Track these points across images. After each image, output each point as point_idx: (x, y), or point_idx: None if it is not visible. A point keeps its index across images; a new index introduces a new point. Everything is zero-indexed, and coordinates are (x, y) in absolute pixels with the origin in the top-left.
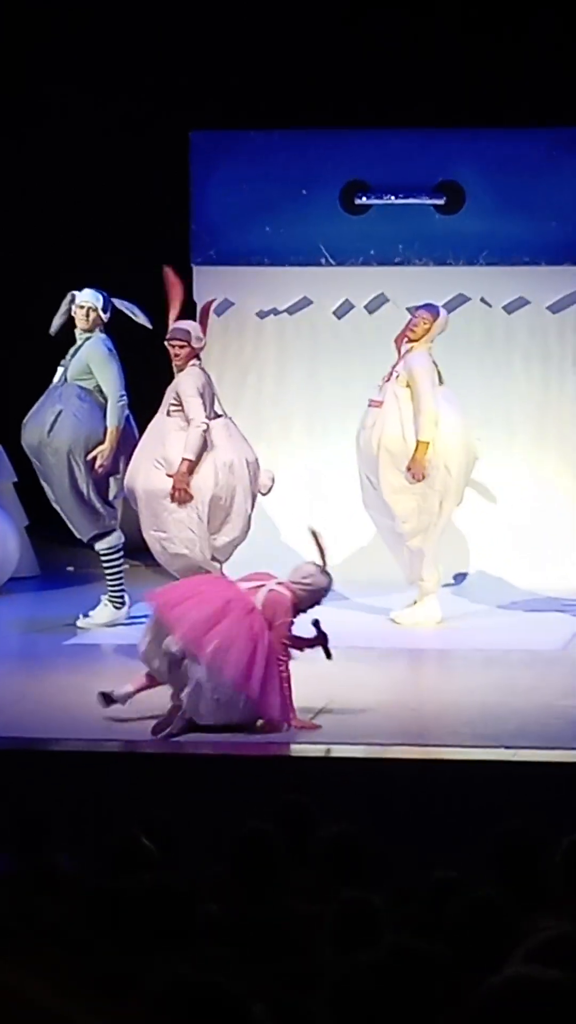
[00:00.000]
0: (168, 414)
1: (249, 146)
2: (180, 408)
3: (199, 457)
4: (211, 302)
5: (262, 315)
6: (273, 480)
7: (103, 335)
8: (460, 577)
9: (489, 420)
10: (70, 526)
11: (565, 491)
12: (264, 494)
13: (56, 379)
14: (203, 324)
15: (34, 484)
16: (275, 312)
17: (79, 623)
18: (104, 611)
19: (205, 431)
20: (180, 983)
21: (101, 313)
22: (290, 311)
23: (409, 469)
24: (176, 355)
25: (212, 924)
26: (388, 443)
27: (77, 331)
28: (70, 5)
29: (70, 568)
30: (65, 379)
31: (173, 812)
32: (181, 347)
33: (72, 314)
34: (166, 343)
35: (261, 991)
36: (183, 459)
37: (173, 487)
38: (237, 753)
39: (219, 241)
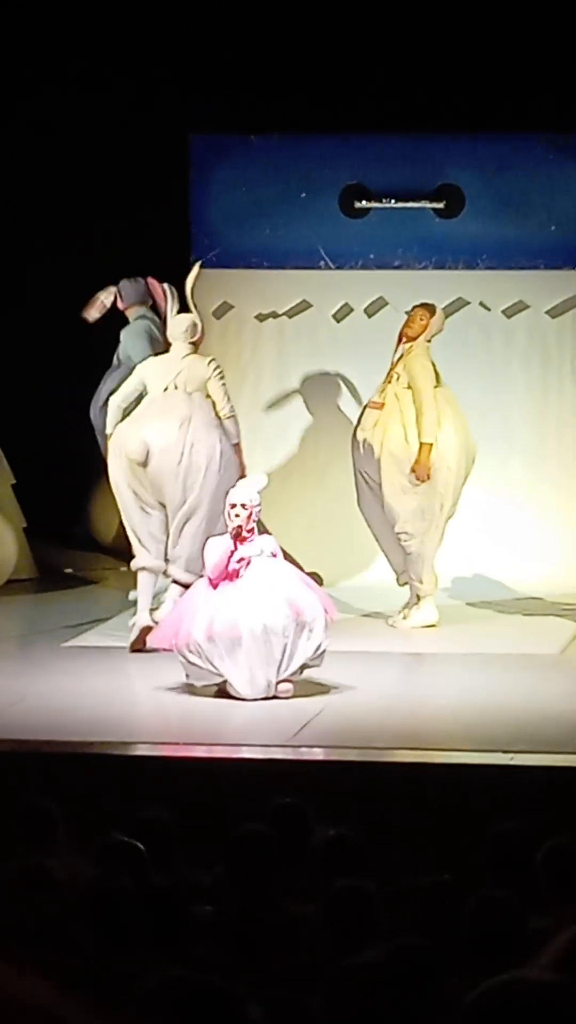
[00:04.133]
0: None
1: (249, 150)
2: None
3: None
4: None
5: (261, 318)
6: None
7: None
8: (458, 580)
9: (488, 424)
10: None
11: (564, 494)
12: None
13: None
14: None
15: (32, 486)
16: (274, 315)
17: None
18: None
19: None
20: (175, 983)
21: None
22: (289, 314)
23: (413, 471)
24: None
25: (208, 925)
26: (391, 445)
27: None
28: (71, 8)
29: (68, 570)
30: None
31: (170, 814)
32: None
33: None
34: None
35: (257, 992)
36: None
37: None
38: (234, 756)
39: (219, 244)
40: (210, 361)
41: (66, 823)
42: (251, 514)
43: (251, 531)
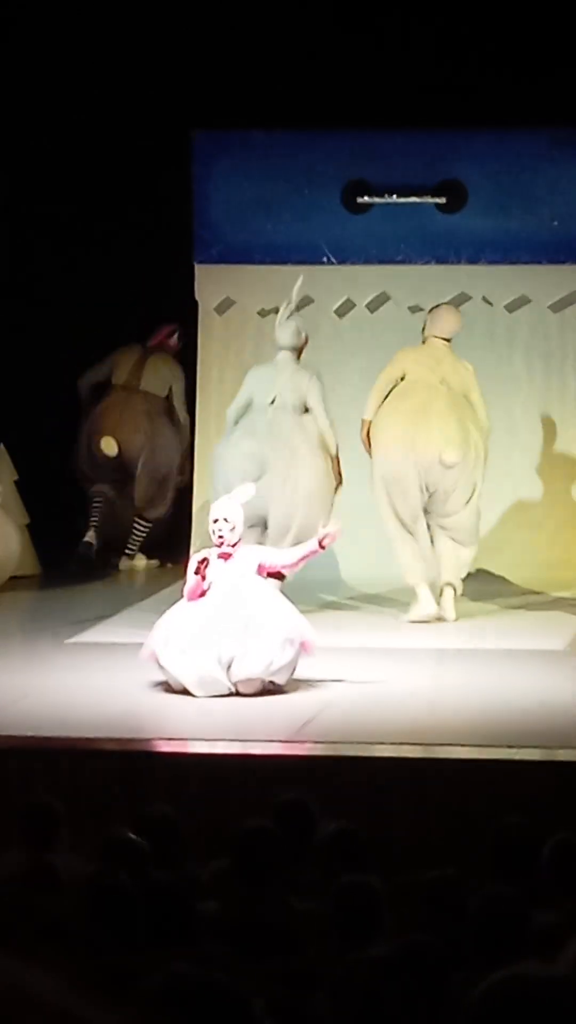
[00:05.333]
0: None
1: (251, 146)
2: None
3: None
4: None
5: (264, 314)
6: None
7: None
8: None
9: (490, 418)
10: None
11: (567, 489)
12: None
13: None
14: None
15: (34, 482)
16: (277, 311)
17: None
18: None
19: None
20: (180, 980)
21: None
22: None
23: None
24: None
25: (212, 921)
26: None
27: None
28: (73, 5)
29: (71, 566)
30: None
31: (173, 810)
32: None
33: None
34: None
35: (261, 988)
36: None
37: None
38: (238, 752)
39: (221, 240)
40: (311, 376)
41: (69, 820)
42: (234, 527)
43: (235, 545)
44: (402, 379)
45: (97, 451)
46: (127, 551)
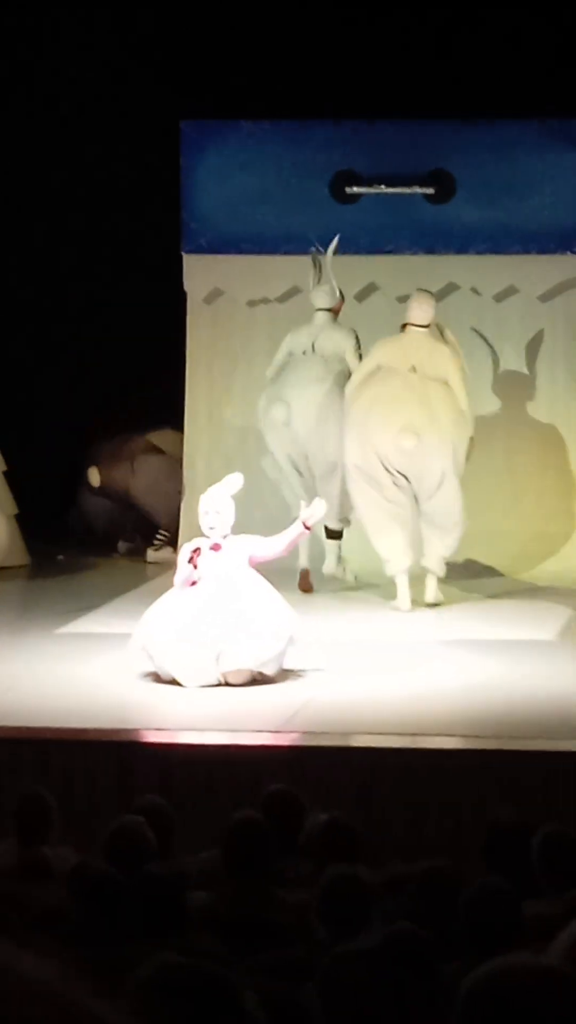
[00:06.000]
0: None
1: (239, 136)
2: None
3: None
4: None
5: (252, 304)
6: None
7: None
8: (450, 566)
9: (478, 408)
10: None
11: (554, 479)
12: None
13: None
14: None
15: (23, 473)
16: (265, 301)
17: None
18: None
19: None
20: (171, 970)
21: None
22: (280, 300)
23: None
24: None
25: (202, 912)
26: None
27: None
28: None
29: (60, 557)
30: None
31: (163, 801)
32: None
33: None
34: None
35: (251, 979)
36: None
37: None
38: (227, 742)
39: (210, 230)
40: (347, 332)
41: (60, 810)
42: (225, 518)
43: (225, 536)
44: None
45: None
46: (157, 539)
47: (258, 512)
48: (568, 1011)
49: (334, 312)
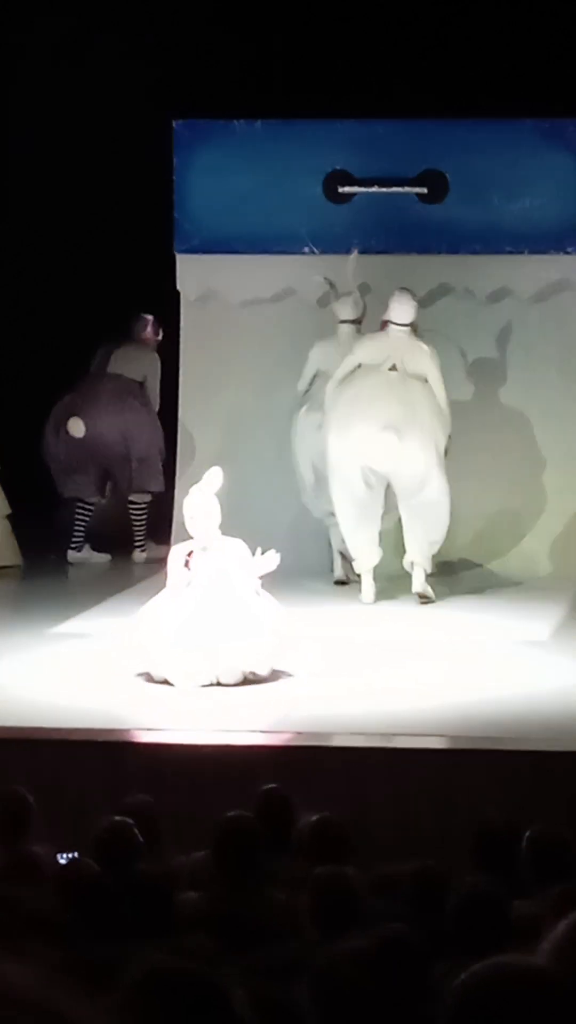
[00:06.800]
0: None
1: (232, 136)
2: None
3: None
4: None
5: (245, 304)
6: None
7: None
8: (443, 565)
9: (471, 408)
10: None
11: (547, 480)
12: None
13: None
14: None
15: (16, 473)
16: (258, 301)
17: None
18: None
19: None
20: (160, 971)
21: None
22: (273, 300)
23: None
24: None
25: (193, 912)
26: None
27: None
28: None
29: (53, 556)
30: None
31: (153, 801)
32: None
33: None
34: None
35: (241, 979)
36: None
37: None
38: (217, 742)
39: (202, 230)
40: (366, 338)
41: (50, 810)
42: (212, 518)
43: (214, 537)
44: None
45: (65, 436)
46: (137, 542)
47: (245, 506)
48: (557, 1011)
49: (358, 324)
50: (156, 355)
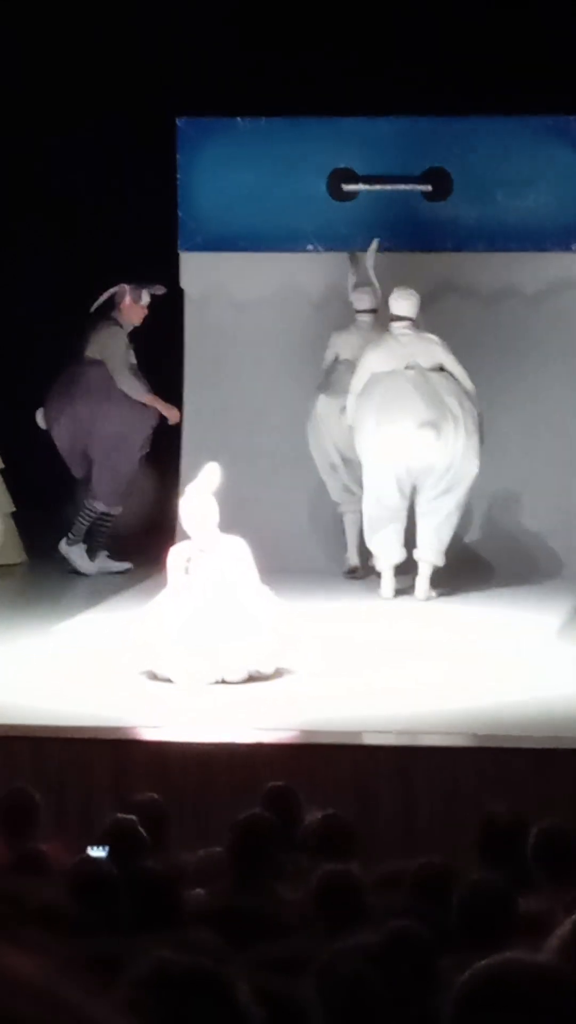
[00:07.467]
0: None
1: (236, 133)
2: None
3: None
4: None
5: (249, 301)
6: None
7: None
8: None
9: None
10: None
11: (550, 479)
12: None
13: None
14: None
15: (20, 470)
16: (262, 299)
17: None
18: None
19: None
20: (166, 966)
21: None
22: (277, 297)
23: None
24: None
25: (200, 908)
26: None
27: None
28: None
29: (57, 555)
30: None
31: (159, 797)
32: None
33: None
34: None
35: (249, 975)
36: None
37: None
38: (223, 740)
39: (206, 227)
40: (383, 334)
41: (57, 808)
42: (210, 517)
43: (214, 536)
44: None
45: (55, 424)
46: (69, 536)
47: (251, 502)
48: (564, 1008)
49: (374, 312)
50: (119, 328)
